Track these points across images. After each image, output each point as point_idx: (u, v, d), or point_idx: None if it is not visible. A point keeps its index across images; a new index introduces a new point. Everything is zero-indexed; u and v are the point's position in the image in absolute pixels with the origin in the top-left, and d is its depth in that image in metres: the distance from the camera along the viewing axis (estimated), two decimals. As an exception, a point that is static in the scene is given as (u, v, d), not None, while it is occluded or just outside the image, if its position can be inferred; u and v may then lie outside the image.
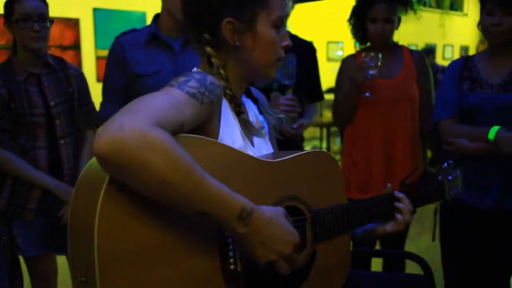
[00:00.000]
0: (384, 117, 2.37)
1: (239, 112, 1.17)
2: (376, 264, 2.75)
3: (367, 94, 2.32)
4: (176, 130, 0.96)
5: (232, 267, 1.06)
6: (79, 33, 5.37)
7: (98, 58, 5.46)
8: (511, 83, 1.96)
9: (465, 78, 2.06)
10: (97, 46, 5.45)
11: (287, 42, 1.17)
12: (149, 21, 2.07)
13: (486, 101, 1.97)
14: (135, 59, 1.94)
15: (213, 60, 1.14)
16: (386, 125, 2.38)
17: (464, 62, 2.11)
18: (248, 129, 1.22)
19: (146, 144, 0.85)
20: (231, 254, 1.06)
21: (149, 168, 0.86)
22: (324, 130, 6.63)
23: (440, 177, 1.45)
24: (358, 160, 2.45)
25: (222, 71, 1.14)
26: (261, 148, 1.27)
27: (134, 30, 2.04)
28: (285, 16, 1.15)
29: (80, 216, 0.96)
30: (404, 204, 1.32)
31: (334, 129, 6.40)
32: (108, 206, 0.91)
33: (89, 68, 5.31)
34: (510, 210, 1.97)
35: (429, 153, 2.72)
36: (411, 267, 1.86)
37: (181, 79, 1.05)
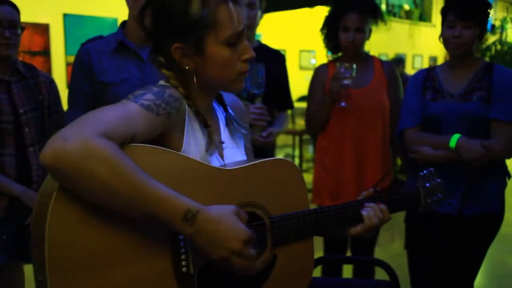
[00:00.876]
0: (355, 126, 2.41)
1: (206, 125, 1.20)
2: (348, 271, 2.78)
3: (343, 104, 2.35)
4: (127, 141, 1.01)
5: (184, 269, 1.08)
6: (49, 39, 5.28)
7: (68, 64, 5.38)
8: (471, 93, 2.03)
9: (428, 88, 2.13)
10: (67, 52, 5.37)
11: (248, 55, 1.17)
12: (119, 28, 2.05)
13: (447, 110, 2.03)
14: (102, 67, 1.92)
15: (170, 81, 1.18)
16: (357, 133, 2.42)
17: (427, 73, 2.18)
18: (214, 141, 1.22)
19: (88, 154, 0.91)
20: (183, 256, 1.08)
21: (92, 176, 0.91)
22: (297, 138, 6.67)
23: (416, 184, 1.46)
24: (329, 168, 2.48)
25: (181, 90, 1.17)
26: (233, 158, 1.29)
27: (100, 37, 2.01)
28: (239, 32, 1.14)
29: (35, 222, 1.00)
30: (371, 207, 1.33)
31: (306, 136, 6.45)
32: (58, 213, 0.96)
33: (59, 75, 5.22)
34: (471, 215, 2.03)
35: (399, 161, 2.77)
36: (382, 274, 1.89)
37: (138, 92, 1.10)
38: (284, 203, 1.23)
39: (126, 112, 1.03)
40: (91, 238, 1.00)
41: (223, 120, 1.32)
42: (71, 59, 5.22)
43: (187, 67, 1.15)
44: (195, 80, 1.18)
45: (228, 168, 1.19)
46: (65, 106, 2.09)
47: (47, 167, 0.92)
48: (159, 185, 0.98)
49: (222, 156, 1.26)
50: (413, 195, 1.45)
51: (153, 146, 1.07)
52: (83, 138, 0.91)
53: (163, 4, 1.12)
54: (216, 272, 1.10)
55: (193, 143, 1.17)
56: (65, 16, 5.32)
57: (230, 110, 1.35)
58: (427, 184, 1.45)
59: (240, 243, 1.03)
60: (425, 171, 1.47)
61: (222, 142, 1.27)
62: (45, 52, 5.26)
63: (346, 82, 2.27)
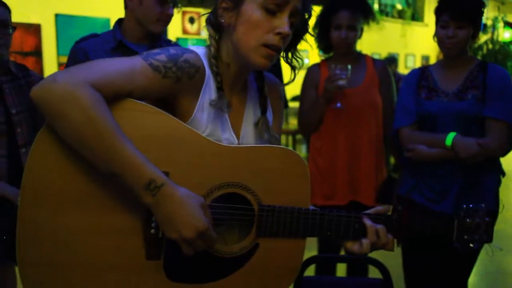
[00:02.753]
0: (348, 125, 2.41)
1: (220, 88, 1.17)
2: (341, 270, 2.79)
3: (338, 105, 2.35)
4: (122, 95, 1.03)
5: (152, 231, 1.08)
6: (40, 39, 5.25)
7: (60, 65, 5.35)
8: (465, 91, 2.04)
9: (423, 87, 2.14)
10: (59, 52, 5.34)
11: (281, 29, 1.11)
12: (114, 27, 2.04)
13: (443, 109, 2.04)
14: None
15: (208, 39, 1.19)
16: (350, 133, 2.42)
17: (421, 72, 2.19)
18: (218, 107, 1.17)
19: (69, 98, 0.95)
20: (153, 218, 1.07)
21: (66, 120, 0.96)
22: (290, 138, 6.68)
23: (454, 216, 1.27)
24: (323, 167, 2.48)
25: (212, 49, 1.17)
26: (247, 140, 1.26)
27: (95, 35, 1.99)
28: (280, 1, 1.10)
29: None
30: (375, 234, 1.21)
31: (299, 136, 6.46)
32: (41, 146, 1.03)
33: (51, 75, 5.20)
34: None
35: (392, 160, 2.78)
36: (375, 272, 1.90)
37: (153, 51, 1.11)
38: (280, 194, 1.17)
39: (130, 67, 1.05)
40: (68, 176, 1.03)
41: (253, 114, 1.28)
42: (63, 59, 5.21)
43: (223, 20, 1.15)
44: (229, 39, 1.16)
45: (227, 144, 1.16)
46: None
47: (33, 100, 0.97)
48: (131, 148, 0.99)
49: (238, 135, 1.24)
50: (442, 226, 1.26)
51: (148, 105, 1.07)
52: (69, 82, 0.96)
53: None
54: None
55: (206, 112, 1.16)
56: (57, 16, 5.29)
57: (269, 116, 1.30)
58: (468, 219, 1.26)
59: (193, 233, 1.02)
60: (471, 205, 1.27)
61: (231, 106, 1.20)
62: (37, 53, 5.23)
63: (341, 83, 2.27)
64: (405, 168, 2.24)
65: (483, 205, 1.28)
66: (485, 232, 1.27)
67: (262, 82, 1.32)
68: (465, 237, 1.27)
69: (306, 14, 1.20)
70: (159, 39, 1.98)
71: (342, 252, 2.62)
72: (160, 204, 1.01)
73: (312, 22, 2.52)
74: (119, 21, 2.01)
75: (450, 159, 2.00)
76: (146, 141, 1.04)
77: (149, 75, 1.06)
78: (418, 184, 2.13)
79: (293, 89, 4.79)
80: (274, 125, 1.33)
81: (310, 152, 2.58)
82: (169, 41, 2.19)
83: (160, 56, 1.09)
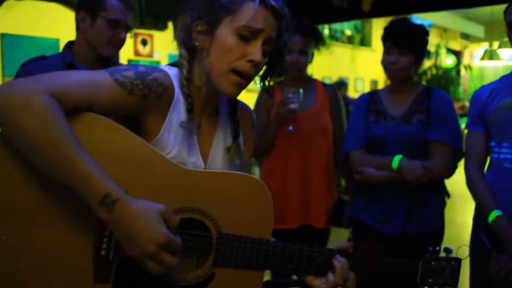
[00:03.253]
0: (300, 148, 2.43)
1: (190, 110, 1.16)
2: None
3: (290, 128, 2.38)
4: (81, 107, 1.01)
5: (103, 252, 1.04)
6: (-16, 59, 5.05)
7: (5, 86, 5.15)
8: (411, 115, 2.12)
9: (371, 111, 2.20)
10: (4, 73, 5.15)
11: (253, 56, 1.11)
12: (62, 48, 1.99)
13: (389, 132, 2.11)
14: None
15: (181, 60, 1.18)
16: (302, 156, 2.44)
17: (370, 96, 2.26)
18: (187, 129, 1.16)
19: (23, 104, 0.92)
20: (105, 239, 1.04)
21: (21, 126, 0.92)
22: (244, 160, 6.68)
23: (419, 258, 1.25)
24: (275, 190, 2.47)
25: (185, 71, 1.17)
26: (216, 166, 1.24)
27: (43, 57, 1.93)
28: (254, 29, 1.11)
29: None
30: (341, 263, 1.18)
31: (252, 159, 6.46)
32: None
33: (-5, 96, 4.99)
34: (413, 234, 2.09)
35: (343, 182, 2.82)
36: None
37: (122, 66, 1.09)
38: (241, 223, 1.12)
39: (94, 81, 1.03)
40: (19, 189, 0.99)
41: (224, 139, 1.27)
42: (8, 80, 5.01)
43: (196, 44, 1.15)
44: (201, 62, 1.17)
45: (190, 168, 1.13)
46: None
47: None
48: (87, 160, 0.95)
49: (206, 159, 1.22)
50: (406, 266, 1.22)
51: (110, 121, 1.04)
52: (26, 89, 0.93)
53: None
54: (140, 269, 1.02)
55: (174, 134, 1.14)
56: (3, 35, 5.11)
57: (240, 141, 1.30)
58: (433, 262, 1.23)
59: (154, 246, 0.97)
60: (438, 248, 1.25)
61: (199, 128, 1.19)
62: (-20, 73, 5.02)
63: (293, 106, 2.31)
64: (355, 191, 2.28)
65: (450, 248, 1.26)
66: (450, 277, 1.23)
67: (235, 107, 1.31)
68: (430, 280, 1.23)
69: (281, 41, 1.19)
70: (110, 63, 1.95)
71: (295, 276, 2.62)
72: (116, 220, 0.96)
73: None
74: (70, 44, 1.97)
75: (397, 181, 2.05)
76: (104, 158, 1.00)
77: (114, 90, 1.04)
78: (367, 206, 2.17)
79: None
80: (244, 152, 1.32)
81: (262, 175, 2.58)
82: (120, 64, 2.16)
83: (127, 72, 1.07)
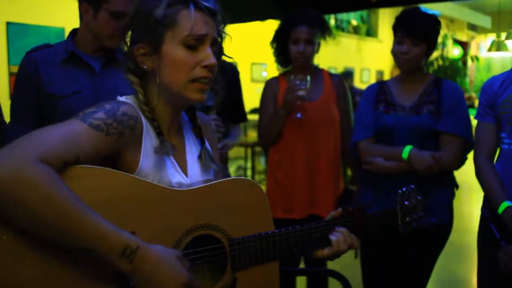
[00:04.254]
0: (307, 138, 2.43)
1: (159, 133, 1.16)
2: (301, 283, 2.78)
3: (298, 115, 2.37)
4: (70, 162, 0.98)
5: None
6: (-10, 48, 5.05)
7: (11, 75, 5.15)
8: (421, 106, 2.11)
9: (381, 101, 2.19)
10: (10, 62, 5.15)
11: (207, 61, 1.13)
12: (68, 37, 1.97)
13: (399, 122, 2.10)
14: (50, 79, 1.81)
15: (134, 86, 1.17)
16: (309, 146, 2.44)
17: (379, 86, 2.24)
18: (163, 153, 1.18)
19: (19, 179, 0.87)
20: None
21: (22, 204, 0.88)
22: (249, 150, 6.68)
23: (394, 203, 1.37)
24: (282, 180, 2.48)
25: (141, 96, 1.16)
26: (196, 176, 1.25)
27: (48, 46, 1.90)
28: (198, 35, 1.12)
29: None
30: (341, 232, 1.27)
31: (258, 149, 6.47)
32: None
33: (2, 85, 5.00)
34: (421, 226, 2.08)
35: (349, 172, 2.81)
36: (335, 284, 1.90)
37: (89, 110, 1.07)
38: (246, 225, 1.17)
39: (71, 132, 1.00)
40: (25, 269, 0.94)
41: (194, 148, 1.29)
42: (14, 69, 5.03)
43: (145, 67, 1.15)
44: (155, 83, 1.16)
45: (185, 188, 1.15)
46: (8, 118, 1.98)
47: None
48: (97, 218, 0.94)
49: (186, 173, 1.23)
50: (389, 215, 1.36)
51: (99, 167, 1.03)
52: (16, 163, 0.89)
53: (136, 9, 1.16)
54: None
55: (151, 159, 1.14)
56: (8, 24, 5.11)
57: (207, 144, 1.32)
58: (406, 202, 1.37)
59: (179, 287, 1.01)
60: (404, 188, 1.39)
61: (174, 147, 1.20)
62: (-14, 62, 5.02)
63: (301, 93, 2.30)
64: (363, 181, 2.27)
65: (412, 186, 1.39)
66: (422, 210, 1.38)
67: (193, 114, 1.32)
68: (407, 219, 1.37)
69: (221, 38, 1.22)
70: (114, 52, 1.91)
71: (302, 265, 2.63)
72: (138, 269, 0.98)
73: (269, 37, 2.56)
74: (74, 32, 1.94)
75: (406, 171, 2.04)
76: (105, 205, 0.99)
77: (92, 137, 1.02)
78: (375, 197, 2.16)
79: (252, 102, 4.80)
80: (214, 156, 1.35)
81: (269, 165, 2.58)
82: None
83: (97, 114, 1.06)
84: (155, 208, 1.08)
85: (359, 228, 1.30)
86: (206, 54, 1.14)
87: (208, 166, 1.28)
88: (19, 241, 0.94)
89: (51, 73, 1.82)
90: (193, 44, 1.12)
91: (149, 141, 1.15)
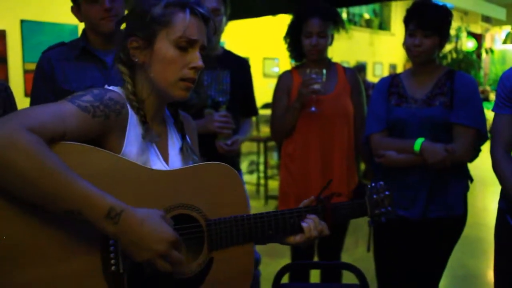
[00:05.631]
0: (321, 131, 2.43)
1: (144, 122, 1.22)
2: (315, 276, 2.79)
3: (313, 109, 2.37)
4: (57, 138, 1.03)
5: (113, 268, 1.09)
6: (5, 46, 5.11)
7: (26, 72, 5.21)
8: (433, 98, 2.09)
9: (393, 93, 2.18)
10: (25, 59, 5.21)
11: (194, 64, 1.21)
12: (80, 34, 2.01)
13: (411, 115, 2.09)
14: (65, 75, 1.87)
15: (123, 77, 1.24)
16: (323, 139, 2.43)
17: (392, 79, 2.23)
18: (149, 140, 1.24)
19: (9, 144, 0.92)
20: (112, 255, 1.08)
21: (11, 167, 0.93)
22: (261, 145, 6.68)
23: (364, 195, 1.48)
24: (296, 173, 2.49)
25: (129, 87, 1.22)
26: (176, 166, 1.30)
27: (62, 44, 1.97)
28: (191, 39, 1.20)
29: None
30: (311, 219, 1.34)
31: (271, 143, 6.47)
32: None
33: (17, 83, 5.06)
34: (435, 219, 2.07)
35: (362, 166, 2.81)
36: (348, 278, 1.90)
37: (77, 94, 1.13)
38: (222, 207, 1.23)
39: (60, 110, 1.06)
40: (13, 233, 0.99)
41: (176, 141, 1.34)
42: (29, 66, 5.09)
43: (136, 60, 1.21)
44: (143, 75, 1.23)
45: (164, 169, 1.21)
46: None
47: None
48: (83, 182, 0.98)
49: (167, 164, 1.29)
50: (359, 206, 1.46)
51: (84, 145, 1.08)
52: (7, 129, 0.94)
53: (133, 5, 1.23)
54: (151, 272, 1.10)
55: (135, 147, 1.19)
56: (23, 22, 5.17)
57: (188, 139, 1.39)
58: (374, 196, 1.47)
59: (165, 245, 1.04)
60: (373, 184, 1.48)
61: (158, 136, 1.28)
62: (2, 60, 5.09)
63: (316, 87, 2.30)
64: (376, 175, 2.27)
65: (381, 182, 1.48)
66: (389, 204, 1.47)
67: (175, 110, 1.39)
68: (376, 211, 1.46)
69: (210, 44, 1.30)
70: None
71: (316, 259, 2.64)
72: (124, 231, 1.01)
73: (283, 32, 2.55)
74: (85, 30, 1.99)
75: (419, 164, 2.03)
76: (91, 180, 1.02)
77: (79, 117, 1.08)
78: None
79: (263, 97, 4.80)
80: (194, 150, 1.41)
81: (282, 158, 2.58)
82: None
83: (86, 97, 1.12)
84: (136, 186, 1.13)
85: (329, 215, 1.37)
86: (195, 57, 1.21)
87: (190, 159, 1.34)
88: (5, 208, 0.99)
89: (66, 69, 1.88)
90: (184, 45, 1.20)
91: (133, 130, 1.20)
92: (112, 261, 1.09)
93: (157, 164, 1.25)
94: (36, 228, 1.02)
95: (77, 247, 1.05)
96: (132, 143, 1.19)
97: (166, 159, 1.29)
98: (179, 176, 1.20)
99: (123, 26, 1.31)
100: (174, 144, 1.34)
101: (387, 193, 1.48)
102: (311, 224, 1.33)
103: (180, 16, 1.19)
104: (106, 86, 1.24)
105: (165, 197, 1.16)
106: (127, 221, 1.01)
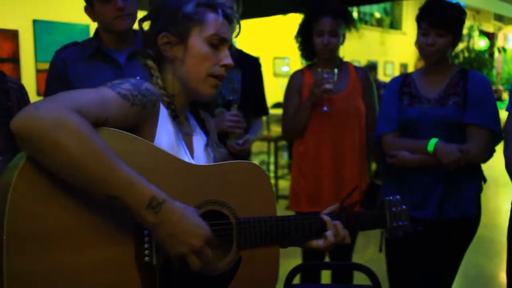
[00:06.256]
0: (332, 130, 2.42)
1: (175, 116, 1.24)
2: (326, 276, 2.78)
3: (325, 108, 2.37)
4: (99, 123, 1.03)
5: (147, 259, 1.08)
6: (18, 45, 5.16)
7: (38, 72, 5.26)
8: (446, 98, 2.07)
9: (405, 93, 2.16)
10: (37, 59, 5.26)
11: (226, 61, 1.25)
12: (92, 34, 2.02)
13: (424, 115, 2.07)
14: (78, 75, 1.88)
15: (152, 72, 1.25)
16: (334, 138, 2.42)
17: (403, 78, 2.21)
18: (185, 133, 1.28)
19: (59, 124, 0.91)
20: (146, 245, 1.08)
21: (59, 147, 0.92)
22: (272, 144, 6.67)
23: (383, 207, 1.46)
24: (307, 173, 2.48)
25: (160, 81, 1.24)
26: (201, 161, 1.32)
27: (75, 44, 1.98)
28: (222, 37, 1.24)
29: None
30: (334, 228, 1.33)
31: (281, 143, 6.46)
32: (22, 185, 0.96)
33: (29, 82, 5.10)
34: (448, 219, 2.05)
35: (373, 166, 2.79)
36: (359, 278, 1.89)
37: (116, 81, 1.14)
38: (251, 206, 1.23)
39: (102, 96, 1.06)
40: (53, 216, 0.99)
41: (200, 138, 1.36)
42: (41, 66, 5.14)
43: (168, 54, 1.23)
44: (170, 71, 1.25)
45: (199, 164, 1.22)
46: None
47: (15, 133, 0.92)
48: (128, 169, 0.98)
49: (192, 153, 1.30)
50: (380, 217, 1.45)
51: (124, 132, 1.08)
52: (56, 109, 0.93)
53: (156, 6, 1.26)
54: (181, 267, 1.09)
55: (165, 139, 1.20)
56: (35, 22, 5.21)
57: (213, 136, 1.41)
58: (393, 209, 1.47)
59: (201, 241, 1.04)
60: (391, 197, 1.48)
61: (193, 130, 1.32)
62: (14, 59, 5.13)
63: (328, 86, 2.30)
64: (388, 175, 2.25)
65: (398, 196, 1.47)
66: (406, 219, 1.46)
67: (195, 108, 1.41)
68: (394, 224, 1.45)
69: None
70: (132, 41, 1.95)
71: (327, 259, 2.63)
72: (163, 221, 1.01)
73: (293, 31, 2.54)
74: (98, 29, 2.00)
75: (432, 165, 2.01)
76: (132, 166, 1.01)
77: (120, 104, 1.08)
78: (400, 191, 2.14)
79: (274, 97, 4.80)
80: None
81: (294, 158, 2.58)
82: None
83: (125, 85, 1.12)
84: (172, 178, 1.13)
85: (351, 224, 1.37)
86: (226, 55, 1.26)
87: (216, 152, 1.37)
88: (41, 192, 0.98)
89: (79, 69, 1.89)
90: (216, 43, 1.24)
91: (164, 122, 1.21)
92: (146, 252, 1.08)
93: (185, 159, 1.24)
94: (73, 212, 1.01)
95: (111, 235, 1.04)
96: (162, 136, 1.20)
97: (191, 154, 1.30)
98: (211, 171, 1.21)
99: (135, 25, 1.31)
100: (198, 141, 1.35)
101: (404, 207, 1.47)
102: (334, 231, 1.32)
103: (213, 16, 1.23)
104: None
105: (199, 192, 1.17)
106: (167, 212, 1.01)
